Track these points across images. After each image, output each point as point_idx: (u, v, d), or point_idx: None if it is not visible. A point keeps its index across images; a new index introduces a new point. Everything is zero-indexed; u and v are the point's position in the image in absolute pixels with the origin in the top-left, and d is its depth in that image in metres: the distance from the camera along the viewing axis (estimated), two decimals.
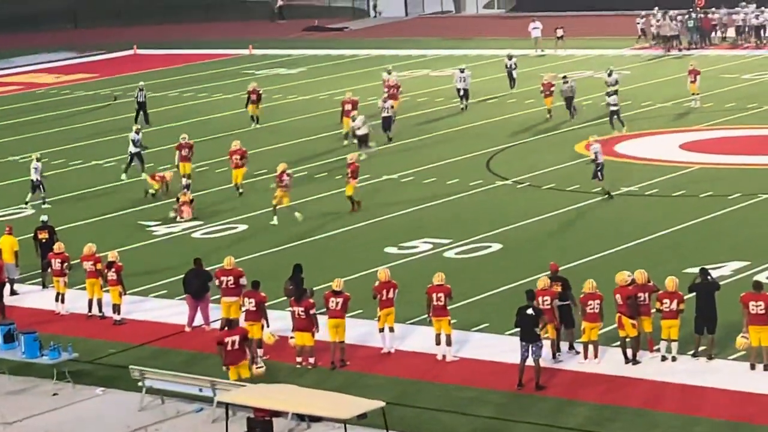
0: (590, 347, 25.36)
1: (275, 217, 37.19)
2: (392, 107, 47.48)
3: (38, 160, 40.88)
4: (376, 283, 26.64)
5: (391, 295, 26.54)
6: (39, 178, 40.39)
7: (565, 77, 49.58)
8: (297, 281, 27.56)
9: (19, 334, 26.35)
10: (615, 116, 45.91)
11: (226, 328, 25.47)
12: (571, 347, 25.84)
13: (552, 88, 49.58)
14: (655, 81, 58.32)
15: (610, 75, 50.20)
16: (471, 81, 53.49)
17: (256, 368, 24.81)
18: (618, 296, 25.17)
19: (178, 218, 37.93)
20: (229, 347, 24.45)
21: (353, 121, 44.46)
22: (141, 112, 53.36)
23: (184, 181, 40.23)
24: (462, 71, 52.79)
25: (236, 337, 24.59)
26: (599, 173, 37.94)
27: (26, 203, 40.69)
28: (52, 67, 76.64)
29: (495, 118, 51.11)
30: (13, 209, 40.66)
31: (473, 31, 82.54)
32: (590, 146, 38.72)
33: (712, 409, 23.22)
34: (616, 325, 25.52)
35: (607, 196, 37.68)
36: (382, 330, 26.66)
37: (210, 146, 47.13)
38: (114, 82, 68.19)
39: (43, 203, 40.46)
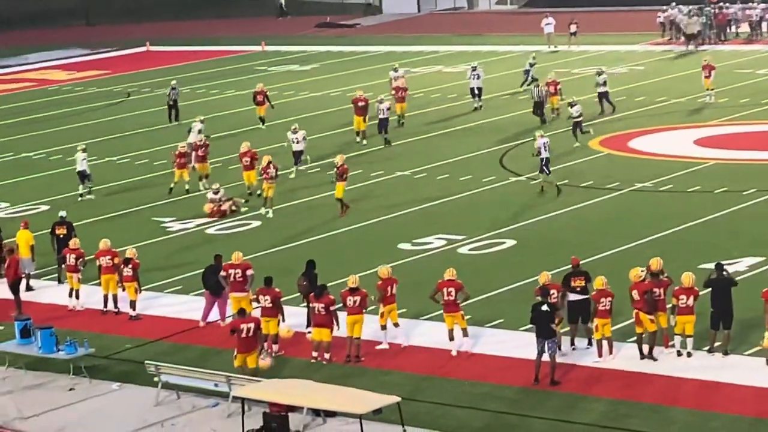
0: (605, 344, 25.33)
1: (266, 209, 37.51)
2: (388, 109, 46.60)
3: (83, 151, 41.15)
4: (379, 282, 26.64)
5: (394, 291, 26.60)
6: (86, 169, 40.85)
7: (536, 80, 48.94)
8: (310, 277, 27.60)
9: (35, 329, 26.44)
10: (577, 127, 44.25)
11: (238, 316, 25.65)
12: (591, 342, 25.80)
13: (558, 87, 49.34)
14: (669, 76, 58.23)
15: (599, 75, 49.91)
16: (484, 77, 53.37)
17: (261, 360, 24.93)
18: (635, 292, 25.11)
19: (210, 195, 38.00)
20: (243, 334, 24.64)
21: (293, 133, 42.55)
22: (172, 110, 52.77)
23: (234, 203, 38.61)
24: (474, 69, 52.70)
25: (251, 325, 24.82)
26: (545, 167, 38.24)
27: (81, 195, 40.94)
28: (65, 63, 76.79)
29: (508, 114, 51.07)
30: (28, 205, 40.73)
31: (486, 27, 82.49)
32: (537, 140, 38.93)
33: (728, 404, 23.20)
34: (630, 321, 25.53)
35: (556, 190, 38.09)
36: (384, 327, 26.68)
37: (223, 143, 47.15)
38: (127, 78, 68.32)
39: (88, 193, 40.91)
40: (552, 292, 25.25)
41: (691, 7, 69.23)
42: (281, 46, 77.18)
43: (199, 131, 43.88)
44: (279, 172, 38.30)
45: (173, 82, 54.47)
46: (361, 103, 47.21)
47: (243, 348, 24.70)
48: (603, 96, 49.48)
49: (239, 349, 24.73)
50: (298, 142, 41.83)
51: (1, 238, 33.41)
